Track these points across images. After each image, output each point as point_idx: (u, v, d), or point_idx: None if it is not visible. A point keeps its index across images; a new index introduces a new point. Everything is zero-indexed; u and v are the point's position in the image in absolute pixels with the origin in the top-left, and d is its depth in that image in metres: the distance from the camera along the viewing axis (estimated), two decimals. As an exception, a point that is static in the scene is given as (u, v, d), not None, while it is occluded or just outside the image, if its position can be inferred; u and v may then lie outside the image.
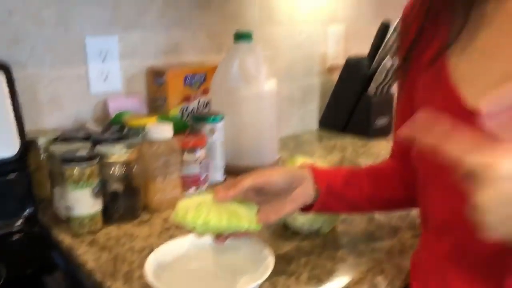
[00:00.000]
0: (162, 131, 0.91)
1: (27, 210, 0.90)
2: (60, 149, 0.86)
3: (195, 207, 0.60)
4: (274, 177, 0.65)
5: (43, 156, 0.94)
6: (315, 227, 0.82)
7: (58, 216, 0.90)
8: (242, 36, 1.11)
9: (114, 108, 1.08)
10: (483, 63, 0.59)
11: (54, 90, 1.02)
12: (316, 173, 0.69)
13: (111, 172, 0.86)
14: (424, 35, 0.65)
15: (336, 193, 0.70)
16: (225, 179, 1.09)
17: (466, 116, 0.56)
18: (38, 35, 0.98)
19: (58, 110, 1.03)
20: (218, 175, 1.07)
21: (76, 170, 0.81)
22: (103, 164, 0.85)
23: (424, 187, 0.64)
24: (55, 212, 0.91)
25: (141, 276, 0.68)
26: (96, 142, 0.90)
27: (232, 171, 1.09)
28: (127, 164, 0.88)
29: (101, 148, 0.86)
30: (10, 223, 0.88)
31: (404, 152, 0.70)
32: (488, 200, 0.40)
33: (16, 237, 0.86)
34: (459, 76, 0.60)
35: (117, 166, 0.87)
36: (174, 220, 0.62)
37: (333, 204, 0.71)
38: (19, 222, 0.88)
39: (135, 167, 0.88)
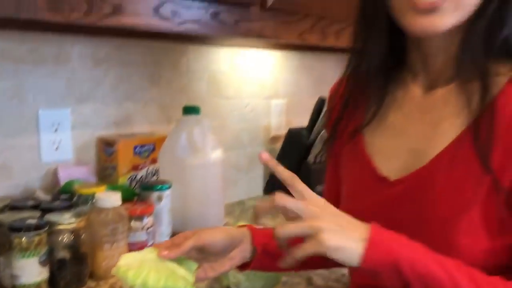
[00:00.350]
0: (111, 199, 0.95)
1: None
2: (8, 218, 0.89)
3: (137, 263, 0.64)
4: (215, 237, 0.71)
5: (-11, 224, 0.95)
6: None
7: (3, 285, 0.90)
8: (190, 109, 1.19)
9: (64, 177, 1.11)
10: (392, 140, 0.70)
11: (5, 159, 1.05)
12: (254, 233, 0.76)
13: (59, 240, 0.89)
14: (346, 114, 0.75)
15: (272, 253, 0.76)
16: (171, 245, 1.12)
17: (379, 182, 0.67)
18: (-7, 107, 1.02)
19: (7, 178, 1.05)
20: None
21: (24, 239, 0.83)
22: (51, 232, 0.88)
23: None
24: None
25: None
26: (45, 210, 0.93)
27: (179, 237, 1.13)
28: (76, 232, 0.91)
29: (50, 217, 0.89)
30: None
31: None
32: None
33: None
34: (374, 150, 0.71)
35: (66, 234, 0.90)
36: (115, 273, 0.65)
37: (269, 263, 0.77)
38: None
39: (83, 234, 0.92)
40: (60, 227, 0.89)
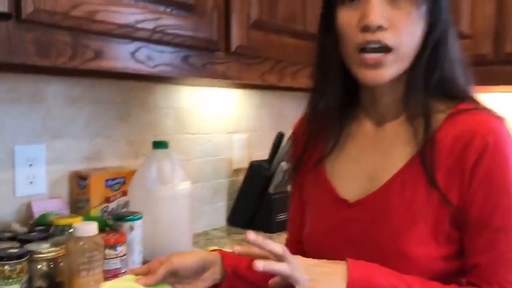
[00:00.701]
0: (88, 228, 1.01)
1: None
2: (-12, 249, 0.93)
3: None
4: (186, 261, 0.79)
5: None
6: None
7: (-19, 315, 0.93)
8: (159, 144, 1.28)
9: (37, 210, 1.16)
10: (350, 168, 0.81)
11: (-19, 193, 1.09)
12: (225, 257, 0.84)
13: (38, 268, 0.94)
14: (309, 147, 0.87)
15: (241, 275, 0.85)
16: (142, 273, 1.18)
17: (340, 204, 0.78)
18: (-30, 144, 1.07)
19: (-18, 212, 1.09)
20: (136, 269, 1.17)
21: (6, 267, 0.88)
22: (31, 260, 0.93)
23: None
24: (-24, 312, 0.94)
25: None
26: (23, 241, 0.97)
27: (149, 266, 1.19)
28: (54, 260, 0.96)
29: (29, 246, 0.94)
30: None
31: (297, 239, 0.89)
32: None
33: None
34: (334, 176, 0.82)
35: (44, 262, 0.94)
36: None
37: (238, 284, 0.85)
38: None
39: (61, 263, 0.97)
40: (39, 256, 0.94)
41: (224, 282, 0.84)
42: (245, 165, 1.72)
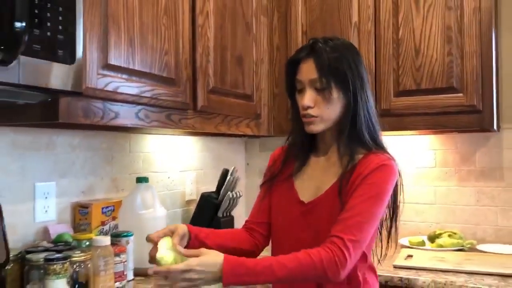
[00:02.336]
0: (104, 240, 1.40)
1: (3, 305, 1.25)
2: (35, 256, 1.28)
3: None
4: (180, 229, 1.22)
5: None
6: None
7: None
8: (141, 179, 1.69)
9: (52, 232, 1.50)
10: (308, 181, 1.31)
11: (11, 220, 1.42)
12: (190, 228, 1.27)
13: (74, 268, 1.30)
14: (284, 167, 1.35)
15: (200, 240, 1.27)
16: (133, 278, 1.56)
17: (299, 203, 1.27)
18: (6, 182, 1.41)
19: (12, 234, 1.41)
20: (130, 274, 1.55)
21: (57, 266, 1.24)
22: (70, 262, 1.29)
23: (278, 245, 1.29)
24: (25, 305, 1.27)
25: (121, 318, 1.14)
26: (58, 251, 1.33)
27: (137, 273, 1.58)
28: (83, 263, 1.33)
29: (67, 253, 1.31)
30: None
31: (253, 222, 1.37)
32: None
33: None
34: (298, 186, 1.32)
35: (77, 264, 1.31)
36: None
37: (198, 246, 1.25)
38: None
39: (88, 264, 1.34)
40: (74, 259, 1.31)
41: (190, 243, 1.25)
42: (194, 197, 2.15)
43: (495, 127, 1.92)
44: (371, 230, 1.20)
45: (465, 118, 1.86)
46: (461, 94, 1.85)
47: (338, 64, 1.25)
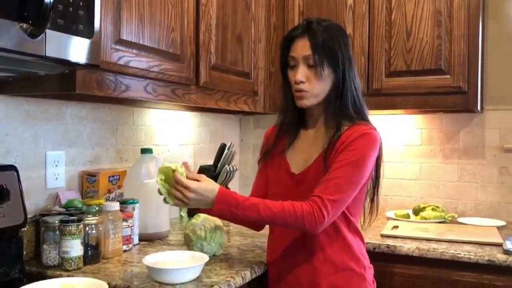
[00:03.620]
0: (114, 205, 1.49)
1: (20, 262, 1.34)
2: (51, 219, 1.37)
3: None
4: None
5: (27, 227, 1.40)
6: (213, 252, 1.49)
7: (45, 265, 1.36)
8: (146, 150, 1.77)
9: (62, 198, 1.59)
10: (298, 154, 1.42)
11: (26, 185, 1.50)
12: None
13: (86, 230, 1.39)
14: (276, 143, 1.45)
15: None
16: (138, 243, 1.66)
17: (290, 175, 1.38)
18: (20, 150, 1.49)
19: (27, 199, 1.50)
20: (136, 238, 1.65)
21: (73, 227, 1.33)
22: (84, 225, 1.38)
23: None
24: (40, 263, 1.37)
25: (123, 278, 1.24)
26: (71, 215, 1.42)
27: (142, 239, 1.68)
28: (95, 226, 1.42)
29: (81, 216, 1.40)
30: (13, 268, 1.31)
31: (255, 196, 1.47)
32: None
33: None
34: (290, 159, 1.42)
35: (90, 226, 1.40)
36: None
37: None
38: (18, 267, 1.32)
39: (100, 227, 1.43)
40: (87, 221, 1.40)
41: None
42: (192, 169, 2.24)
43: (479, 107, 2.04)
44: (350, 192, 1.31)
45: (451, 99, 1.97)
46: (448, 76, 1.96)
47: (330, 43, 1.35)
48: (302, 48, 1.36)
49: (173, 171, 1.29)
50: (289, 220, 1.26)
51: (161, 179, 1.31)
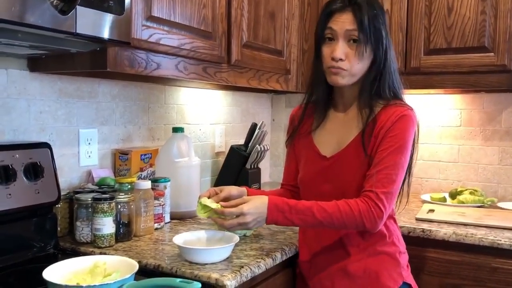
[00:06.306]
0: (145, 184, 1.49)
1: (54, 238, 1.36)
2: (83, 196, 1.38)
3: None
4: (233, 192, 1.31)
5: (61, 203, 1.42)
6: (244, 233, 1.48)
7: (78, 241, 1.38)
8: (177, 129, 1.77)
9: (96, 176, 1.60)
10: (328, 137, 1.37)
11: (59, 162, 1.51)
12: (248, 190, 1.37)
13: (119, 208, 1.40)
14: (303, 123, 1.41)
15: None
16: (170, 221, 1.67)
17: (320, 158, 1.34)
18: (54, 127, 1.50)
19: (61, 176, 1.51)
20: (167, 217, 1.65)
21: (105, 205, 1.34)
22: (116, 203, 1.39)
23: (303, 197, 1.37)
24: (74, 239, 1.39)
25: (154, 257, 1.24)
26: (103, 192, 1.43)
27: (173, 217, 1.68)
28: (127, 204, 1.43)
29: (113, 194, 1.40)
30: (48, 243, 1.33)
31: (288, 182, 1.44)
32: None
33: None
34: (318, 142, 1.38)
35: (122, 204, 1.41)
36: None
37: None
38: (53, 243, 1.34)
39: (132, 206, 1.44)
40: (119, 199, 1.41)
41: None
42: (223, 149, 2.23)
43: (523, 87, 1.93)
44: (400, 180, 1.27)
45: (495, 78, 1.87)
46: (492, 54, 1.86)
47: (375, 21, 1.28)
48: (344, 21, 1.27)
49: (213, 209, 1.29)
50: (347, 220, 1.21)
51: (204, 212, 1.32)
